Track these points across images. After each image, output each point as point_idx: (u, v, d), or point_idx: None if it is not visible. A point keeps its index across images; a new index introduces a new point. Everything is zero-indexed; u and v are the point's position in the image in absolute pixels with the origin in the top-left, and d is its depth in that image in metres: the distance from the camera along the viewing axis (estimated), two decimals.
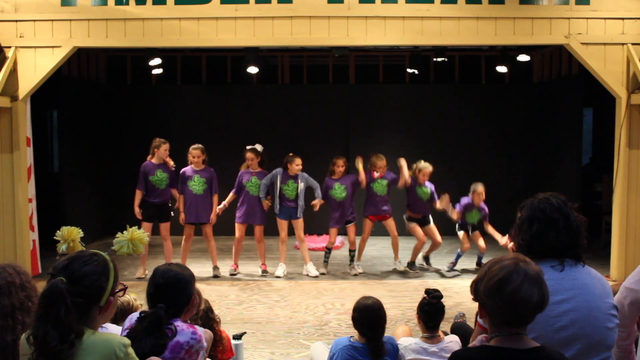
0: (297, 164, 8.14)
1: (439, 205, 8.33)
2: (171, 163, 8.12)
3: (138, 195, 7.95)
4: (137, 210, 7.91)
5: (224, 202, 8.19)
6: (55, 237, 4.52)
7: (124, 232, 4.60)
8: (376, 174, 8.31)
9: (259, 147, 8.30)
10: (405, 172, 8.23)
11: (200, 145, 8.18)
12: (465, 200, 8.52)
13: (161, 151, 8.02)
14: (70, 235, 4.38)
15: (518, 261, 2.16)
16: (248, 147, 8.33)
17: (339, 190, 8.27)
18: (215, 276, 8.10)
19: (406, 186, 8.33)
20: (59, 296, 2.18)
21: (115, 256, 3.35)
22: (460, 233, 8.52)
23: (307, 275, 8.15)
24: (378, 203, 8.33)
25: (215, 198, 8.11)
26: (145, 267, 8.06)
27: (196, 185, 8.05)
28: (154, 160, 8.05)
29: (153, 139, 8.23)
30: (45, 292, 2.21)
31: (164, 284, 2.95)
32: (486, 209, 8.56)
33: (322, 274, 8.21)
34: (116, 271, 2.39)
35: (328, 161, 11.32)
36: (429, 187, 8.46)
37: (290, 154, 8.30)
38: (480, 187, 8.46)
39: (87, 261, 2.32)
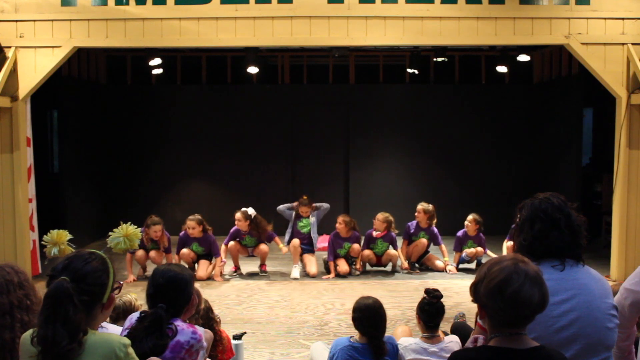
0: (304, 211, 8.35)
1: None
2: (164, 246, 7.95)
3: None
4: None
5: (221, 264, 8.03)
6: (43, 242, 4.45)
7: (116, 229, 4.58)
8: (375, 233, 8.31)
9: (251, 210, 8.19)
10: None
11: (197, 217, 7.98)
12: (459, 233, 8.56)
13: (150, 232, 7.76)
14: (60, 239, 4.36)
15: (517, 262, 2.15)
16: (241, 211, 8.19)
17: (347, 249, 8.28)
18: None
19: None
20: (66, 295, 2.18)
21: (112, 253, 3.34)
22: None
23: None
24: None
25: (218, 260, 8.01)
26: (145, 267, 8.07)
27: (196, 251, 8.08)
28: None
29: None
30: (51, 292, 2.20)
31: (163, 284, 2.95)
32: (483, 238, 8.56)
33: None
34: (113, 268, 2.41)
35: (328, 161, 11.43)
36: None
37: (303, 198, 8.45)
38: (471, 217, 8.49)
39: (87, 260, 2.32)
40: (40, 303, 2.26)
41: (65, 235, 4.41)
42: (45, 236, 4.37)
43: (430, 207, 8.40)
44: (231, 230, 8.21)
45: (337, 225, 8.20)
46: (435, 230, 8.46)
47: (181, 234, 8.09)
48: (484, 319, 2.21)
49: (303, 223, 8.41)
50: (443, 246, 8.48)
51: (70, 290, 2.19)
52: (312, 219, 8.40)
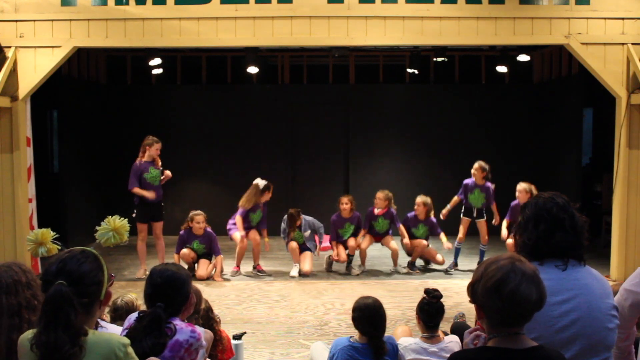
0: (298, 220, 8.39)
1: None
2: (159, 164, 8.04)
3: (138, 190, 7.88)
4: (147, 194, 7.84)
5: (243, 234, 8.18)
6: (27, 244, 4.36)
7: (103, 223, 4.51)
8: (377, 211, 8.37)
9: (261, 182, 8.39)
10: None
11: (202, 213, 8.09)
12: (466, 181, 8.62)
13: (152, 150, 7.94)
14: (44, 238, 4.29)
15: (514, 261, 2.15)
16: (262, 184, 8.40)
17: (349, 230, 8.35)
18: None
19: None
20: (65, 300, 2.16)
21: (102, 249, 3.30)
22: (464, 220, 8.60)
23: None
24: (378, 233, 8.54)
25: (219, 259, 8.07)
26: (145, 267, 8.06)
27: (196, 249, 8.12)
28: (145, 159, 7.98)
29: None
30: (49, 298, 2.18)
31: (161, 284, 2.95)
32: (491, 187, 8.56)
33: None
34: (104, 262, 2.40)
35: (328, 161, 11.43)
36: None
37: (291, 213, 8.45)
38: (477, 164, 8.56)
39: (80, 260, 2.31)
40: None
41: (48, 233, 4.32)
42: (27, 237, 4.27)
43: (429, 200, 8.55)
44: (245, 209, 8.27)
45: (344, 205, 8.33)
46: (434, 219, 8.53)
47: (182, 232, 8.10)
48: (482, 319, 2.21)
49: (297, 235, 8.43)
50: (442, 234, 8.48)
51: (69, 295, 2.17)
52: (306, 234, 8.38)
